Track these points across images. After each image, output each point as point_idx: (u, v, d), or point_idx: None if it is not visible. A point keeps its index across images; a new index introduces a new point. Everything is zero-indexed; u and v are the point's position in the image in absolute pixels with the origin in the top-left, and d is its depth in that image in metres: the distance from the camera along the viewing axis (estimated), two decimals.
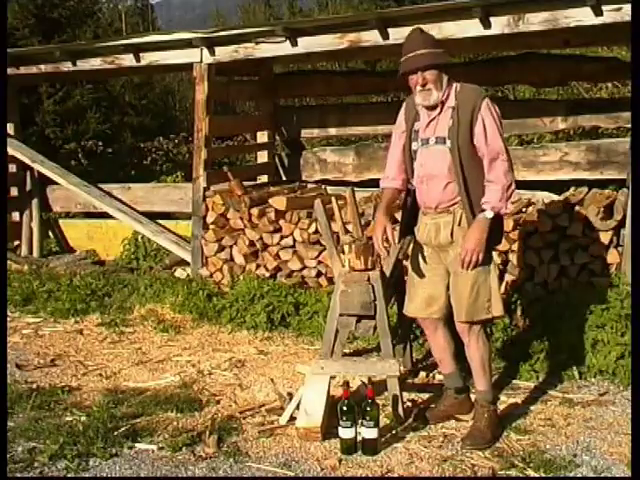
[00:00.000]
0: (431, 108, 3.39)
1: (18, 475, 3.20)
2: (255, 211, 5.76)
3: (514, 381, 4.16)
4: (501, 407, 3.75)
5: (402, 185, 3.61)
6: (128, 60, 6.42)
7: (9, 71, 6.85)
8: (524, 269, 4.82)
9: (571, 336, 4.27)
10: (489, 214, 3.27)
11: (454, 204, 3.38)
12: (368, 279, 3.70)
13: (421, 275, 3.54)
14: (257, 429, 3.62)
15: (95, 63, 6.64)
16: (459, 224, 3.36)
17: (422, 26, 5.08)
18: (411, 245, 3.66)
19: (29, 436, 3.53)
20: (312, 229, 5.51)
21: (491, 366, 3.57)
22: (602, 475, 3.14)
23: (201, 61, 6.05)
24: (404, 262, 4.18)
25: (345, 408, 3.32)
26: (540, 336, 4.38)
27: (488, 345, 3.53)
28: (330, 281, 5.28)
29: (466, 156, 3.29)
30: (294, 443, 3.46)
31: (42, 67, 6.91)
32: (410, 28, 5.15)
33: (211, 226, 5.98)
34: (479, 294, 3.37)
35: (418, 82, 3.35)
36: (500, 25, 4.85)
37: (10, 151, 7.40)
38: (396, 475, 3.17)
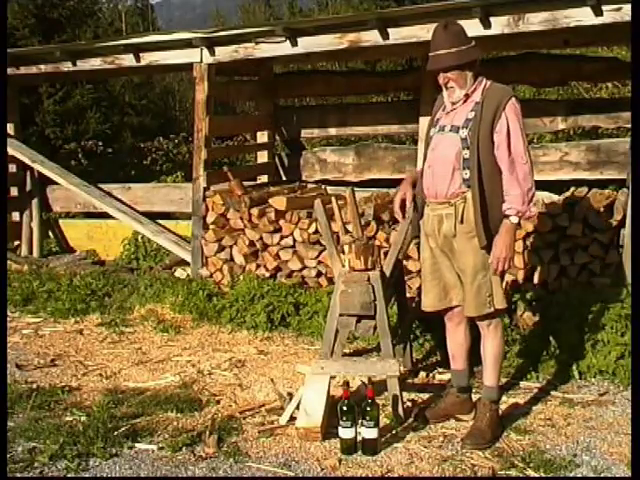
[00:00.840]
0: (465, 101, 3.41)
1: (18, 475, 3.20)
2: (255, 211, 5.76)
3: (514, 381, 4.16)
4: (501, 407, 3.74)
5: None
6: (128, 60, 6.41)
7: (9, 71, 6.85)
8: (524, 269, 4.82)
9: (571, 336, 4.27)
10: (514, 219, 3.29)
11: (456, 196, 3.35)
12: (368, 279, 3.70)
13: (431, 266, 3.54)
14: (257, 429, 3.62)
15: (95, 63, 6.64)
16: (461, 221, 3.35)
17: (422, 26, 5.14)
18: (411, 246, 3.66)
19: (29, 436, 3.53)
20: (312, 229, 5.51)
21: (502, 365, 3.58)
22: (602, 475, 3.14)
23: (201, 61, 6.05)
24: (404, 262, 4.19)
25: (345, 408, 3.32)
26: (540, 336, 4.38)
27: (504, 343, 3.55)
28: (330, 281, 5.28)
29: (484, 151, 3.28)
30: (294, 443, 3.46)
31: (42, 67, 6.91)
32: (410, 28, 5.20)
33: (211, 226, 5.98)
34: (480, 290, 3.38)
35: (440, 82, 3.38)
36: (500, 25, 4.85)
37: (10, 151, 7.40)
38: (396, 475, 3.17)
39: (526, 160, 3.29)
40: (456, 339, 3.65)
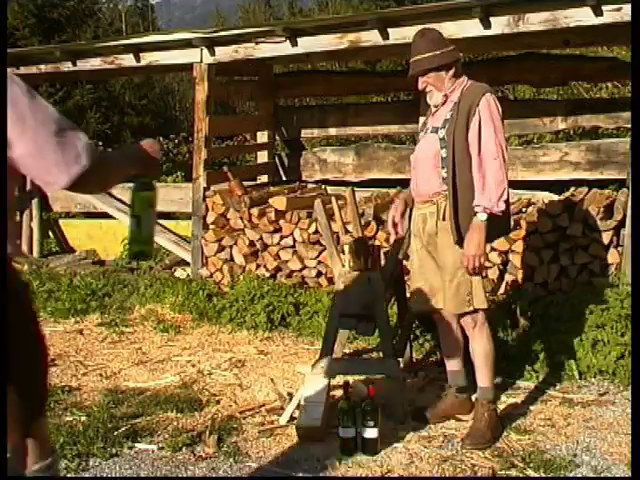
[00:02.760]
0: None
1: None
2: (255, 211, 5.76)
3: (514, 381, 4.16)
4: (501, 407, 3.75)
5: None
6: (128, 60, 6.41)
7: (9, 71, 6.84)
8: (524, 269, 4.82)
9: (571, 336, 4.27)
10: (482, 216, 3.26)
11: (438, 194, 3.39)
12: (368, 279, 3.70)
13: (418, 268, 3.57)
14: (257, 429, 3.62)
15: (95, 63, 6.64)
16: (443, 218, 3.38)
17: (422, 26, 5.13)
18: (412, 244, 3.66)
19: None
20: (312, 229, 5.51)
21: (495, 364, 3.57)
22: (602, 475, 3.14)
23: (201, 61, 6.05)
24: (404, 262, 4.19)
25: (345, 408, 3.32)
26: (540, 336, 4.38)
27: (492, 342, 3.53)
28: (330, 281, 5.28)
29: (459, 149, 3.30)
30: (294, 443, 3.45)
31: (42, 67, 6.91)
32: (410, 28, 5.19)
33: (211, 226, 5.98)
34: (459, 287, 3.39)
35: (420, 87, 3.43)
36: (500, 25, 4.85)
37: None
38: (396, 475, 3.17)
39: (496, 156, 3.25)
40: (449, 340, 3.65)
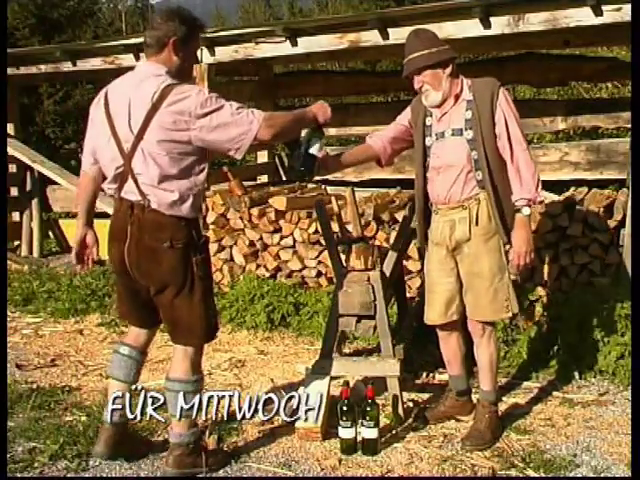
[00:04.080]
0: (439, 106, 3.36)
1: (18, 475, 3.20)
2: (255, 211, 5.76)
3: (514, 381, 4.16)
4: (501, 407, 3.74)
5: (381, 150, 3.55)
6: (128, 60, 6.40)
7: (9, 71, 6.85)
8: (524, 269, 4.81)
9: (571, 336, 4.26)
10: (526, 211, 3.23)
11: (469, 198, 3.31)
12: (368, 279, 3.70)
13: (437, 277, 3.47)
14: (257, 429, 3.62)
15: (95, 63, 6.64)
16: (476, 223, 3.30)
17: (422, 26, 5.13)
18: (411, 245, 3.65)
19: (29, 436, 3.53)
20: (312, 229, 5.50)
21: (498, 369, 3.57)
22: (602, 475, 3.14)
23: (201, 61, 6.05)
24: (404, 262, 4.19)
25: (345, 408, 3.32)
26: (540, 336, 4.38)
27: (498, 349, 3.52)
28: (330, 281, 5.28)
29: (490, 148, 3.25)
30: (294, 443, 3.45)
31: (42, 67, 6.92)
32: (410, 28, 5.17)
33: (211, 226, 5.97)
34: (497, 293, 3.34)
35: (416, 86, 3.36)
36: (500, 25, 4.84)
37: (10, 151, 7.40)
38: (396, 475, 3.17)
39: (526, 146, 3.26)
40: (450, 347, 3.61)
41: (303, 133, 3.17)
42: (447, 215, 3.37)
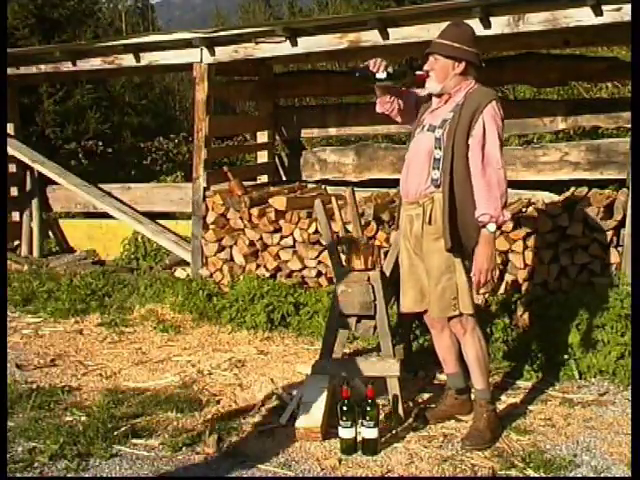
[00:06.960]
0: (438, 97, 3.39)
1: (18, 475, 3.20)
2: (255, 211, 5.76)
3: (514, 381, 4.16)
4: (501, 407, 3.75)
5: (390, 101, 3.63)
6: (128, 60, 6.42)
7: (9, 71, 6.85)
8: (524, 269, 4.82)
9: (571, 336, 4.27)
10: (492, 227, 3.22)
11: (424, 196, 3.33)
12: (368, 279, 3.70)
13: (408, 267, 3.52)
14: (257, 429, 3.62)
15: (95, 63, 6.64)
16: (429, 222, 3.32)
17: (422, 26, 5.15)
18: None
19: (29, 436, 3.53)
20: (312, 229, 5.51)
21: (488, 365, 3.56)
22: (602, 475, 3.14)
23: (201, 61, 6.06)
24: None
25: (345, 408, 3.32)
26: (540, 336, 4.38)
27: (484, 343, 3.51)
28: (330, 281, 5.28)
29: (458, 154, 3.24)
30: (294, 443, 3.45)
31: (42, 67, 6.91)
32: (410, 28, 5.21)
33: (211, 226, 5.98)
34: (444, 292, 3.36)
35: (426, 66, 3.37)
36: (500, 25, 4.85)
37: (10, 151, 7.40)
38: (396, 475, 3.17)
39: (501, 165, 3.22)
40: (443, 344, 3.63)
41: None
42: (407, 210, 3.45)
